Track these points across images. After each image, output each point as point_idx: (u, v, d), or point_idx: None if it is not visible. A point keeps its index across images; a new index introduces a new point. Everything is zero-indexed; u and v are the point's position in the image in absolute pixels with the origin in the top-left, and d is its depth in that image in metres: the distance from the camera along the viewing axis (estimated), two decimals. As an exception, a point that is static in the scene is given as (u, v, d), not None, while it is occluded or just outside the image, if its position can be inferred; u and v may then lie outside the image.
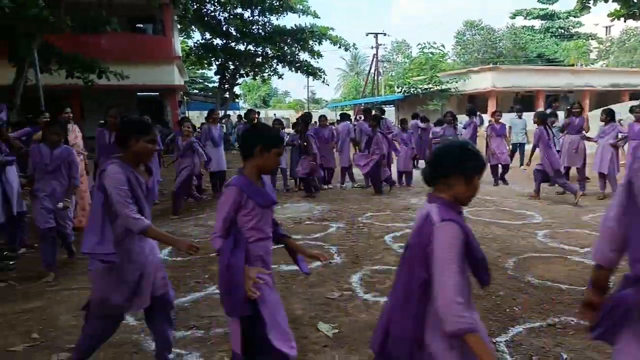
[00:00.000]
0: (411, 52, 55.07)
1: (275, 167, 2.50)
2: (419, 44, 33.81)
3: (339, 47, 23.05)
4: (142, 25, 19.78)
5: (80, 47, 12.98)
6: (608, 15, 14.24)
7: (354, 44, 24.34)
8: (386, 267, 4.71)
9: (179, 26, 22.26)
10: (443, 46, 30.41)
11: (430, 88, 27.71)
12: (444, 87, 27.47)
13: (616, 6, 13.77)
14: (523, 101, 26.04)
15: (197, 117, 30.52)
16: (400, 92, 30.15)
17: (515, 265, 4.70)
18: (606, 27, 42.19)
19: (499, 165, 9.76)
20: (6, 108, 7.26)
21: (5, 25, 9.25)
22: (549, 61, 38.19)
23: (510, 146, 11.28)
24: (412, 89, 28.38)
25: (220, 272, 2.29)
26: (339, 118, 12.50)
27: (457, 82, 27.16)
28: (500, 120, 10.07)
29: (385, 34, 38.77)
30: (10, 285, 4.49)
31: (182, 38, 24.68)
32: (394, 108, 33.49)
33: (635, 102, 10.97)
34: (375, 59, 38.21)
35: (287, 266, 4.76)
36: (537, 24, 42.53)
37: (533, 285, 4.13)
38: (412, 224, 6.30)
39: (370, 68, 39.98)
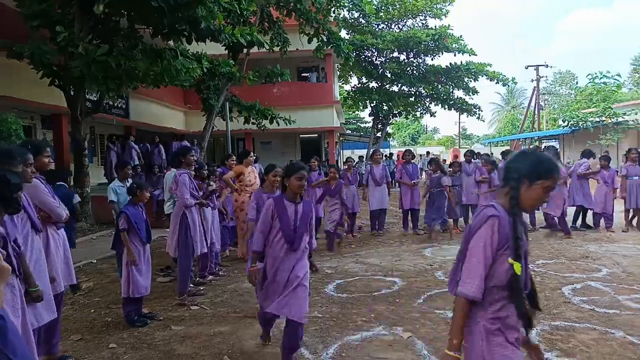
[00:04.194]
0: (577, 82, 50.37)
1: (539, 203, 1.99)
2: (588, 74, 30.63)
3: (497, 83, 22.10)
4: (307, 74, 21.66)
5: (256, 96, 14.75)
6: None
7: (513, 79, 22.99)
8: (567, 323, 4.28)
9: (338, 72, 23.78)
10: (619, 75, 27.24)
11: (603, 121, 24.82)
12: (619, 119, 24.38)
13: None
14: None
15: (350, 154, 31.89)
16: (566, 125, 27.57)
17: None
18: None
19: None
20: (197, 151, 8.52)
21: (201, 81, 10.99)
22: None
23: None
24: (580, 123, 25.74)
25: None
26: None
27: (637, 114, 23.88)
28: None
29: (547, 66, 36.02)
30: (202, 309, 5.02)
31: (340, 83, 26.23)
32: (557, 143, 30.75)
33: None
34: (535, 92, 35.69)
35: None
36: None
37: None
38: (593, 275, 5.67)
39: (530, 101, 37.40)
